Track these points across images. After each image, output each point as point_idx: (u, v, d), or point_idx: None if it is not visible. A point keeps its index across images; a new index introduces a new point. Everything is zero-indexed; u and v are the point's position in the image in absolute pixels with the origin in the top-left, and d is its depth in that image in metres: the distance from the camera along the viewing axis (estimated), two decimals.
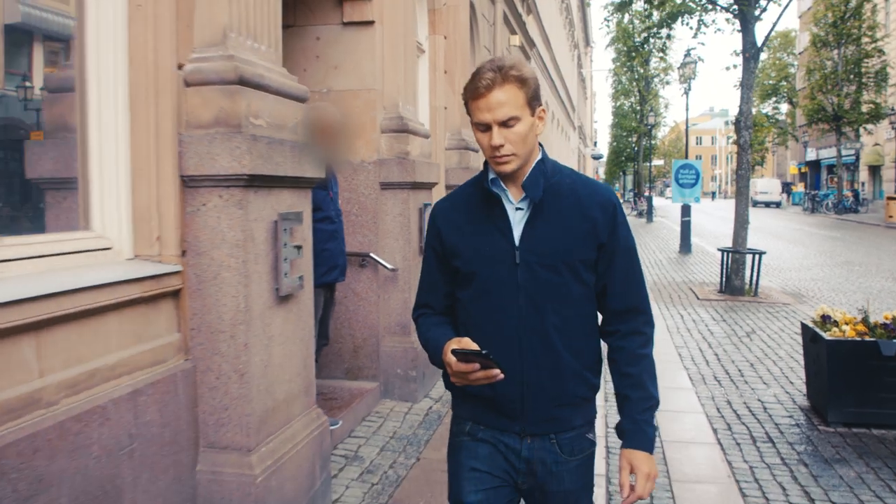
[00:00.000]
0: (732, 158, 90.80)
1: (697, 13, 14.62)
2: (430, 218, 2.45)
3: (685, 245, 21.17)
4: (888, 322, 6.15)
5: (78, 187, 3.36)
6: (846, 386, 6.11)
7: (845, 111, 40.38)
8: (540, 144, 2.34)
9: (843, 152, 49.74)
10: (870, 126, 42.29)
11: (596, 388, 2.38)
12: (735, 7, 12.99)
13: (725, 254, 13.51)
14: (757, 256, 12.96)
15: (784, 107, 57.20)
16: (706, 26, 14.86)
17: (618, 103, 56.30)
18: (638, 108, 47.31)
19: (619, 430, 2.38)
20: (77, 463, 2.80)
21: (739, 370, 8.09)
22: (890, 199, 37.66)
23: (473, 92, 2.18)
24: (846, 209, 43.87)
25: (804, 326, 6.71)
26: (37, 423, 2.66)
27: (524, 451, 2.31)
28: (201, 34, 3.60)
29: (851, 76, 40.16)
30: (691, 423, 6.25)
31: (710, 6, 14.21)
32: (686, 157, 23.49)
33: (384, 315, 6.49)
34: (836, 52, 40.65)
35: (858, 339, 6.04)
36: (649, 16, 16.45)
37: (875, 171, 48.52)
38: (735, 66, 14.60)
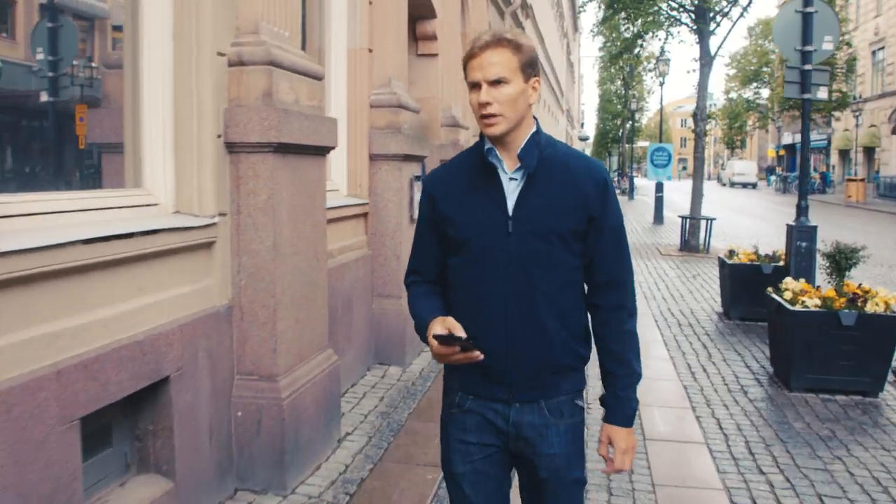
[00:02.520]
0: (717, 141, 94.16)
1: (665, 27, 18.05)
2: (423, 185, 2.48)
3: (658, 217, 23.71)
4: (854, 293, 6.53)
5: (125, 152, 3.83)
6: (807, 350, 6.39)
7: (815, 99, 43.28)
8: (535, 118, 2.34)
9: (816, 137, 52.91)
10: (837, 113, 45.69)
11: (585, 359, 2.39)
12: (693, 25, 16.41)
13: (684, 220, 17.02)
14: (709, 222, 16.49)
15: (765, 92, 60.05)
16: (672, 37, 18.29)
17: (603, 88, 59.46)
18: (622, 93, 50.58)
19: (602, 403, 2.41)
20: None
21: (681, 294, 11.52)
22: (850, 180, 39.94)
23: (470, 52, 2.22)
24: (814, 190, 46.75)
25: (769, 298, 6.98)
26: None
27: (513, 414, 2.31)
28: (242, 25, 4.19)
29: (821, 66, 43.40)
30: (645, 321, 9.64)
31: (674, 23, 17.62)
32: (660, 141, 26.85)
33: None
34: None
35: (823, 309, 6.35)
36: (626, 29, 19.78)
37: (845, 154, 50.63)
38: (694, 71, 17.96)
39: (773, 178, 59.56)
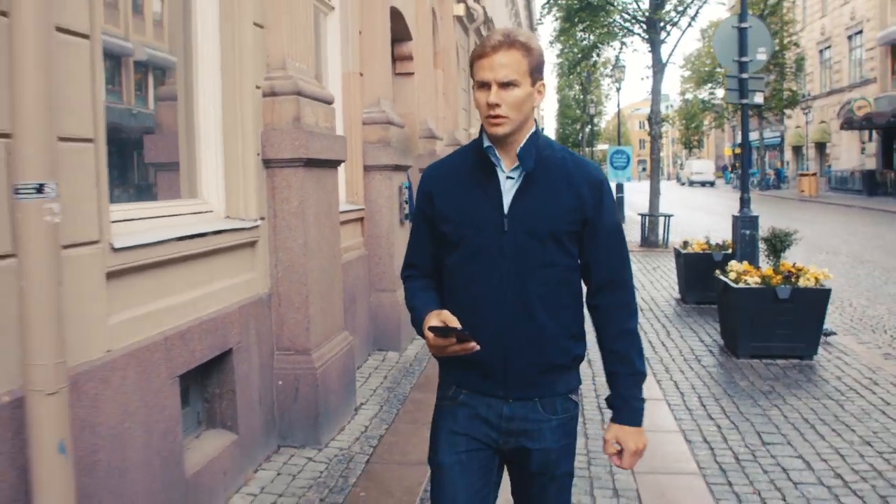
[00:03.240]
0: (675, 141, 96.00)
1: (619, 37, 19.23)
2: (420, 182, 2.49)
3: (620, 215, 25.69)
4: (788, 271, 7.50)
5: (181, 168, 4.60)
6: (750, 322, 7.39)
7: (766, 98, 45.06)
8: (535, 120, 2.35)
9: (770, 134, 54.63)
10: (788, 111, 47.33)
11: (579, 358, 2.41)
12: (645, 35, 17.57)
13: (643, 217, 18.15)
14: (667, 218, 17.62)
15: (720, 92, 61.42)
16: (626, 47, 19.51)
17: (562, 94, 60.89)
18: (581, 98, 51.96)
19: (609, 404, 2.42)
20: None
21: (643, 284, 12.62)
22: (802, 175, 41.51)
23: (480, 51, 2.22)
24: (769, 186, 47.48)
25: (717, 280, 8.03)
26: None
27: (506, 410, 2.33)
28: (272, 62, 5.10)
29: (771, 66, 45.03)
30: None
31: (628, 33, 18.80)
32: (619, 143, 28.04)
33: None
34: None
35: (762, 286, 7.32)
36: (583, 39, 20.96)
37: (798, 150, 52.10)
38: (647, 77, 19.04)
39: (730, 175, 61.23)
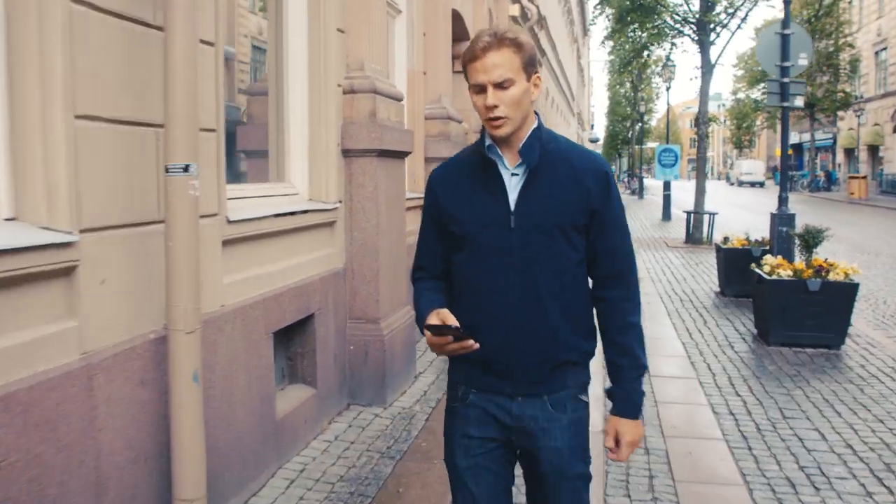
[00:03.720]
0: (725, 140, 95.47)
1: (669, 38, 19.67)
2: (427, 183, 2.50)
3: (666, 214, 25.24)
4: (819, 266, 7.99)
5: (270, 156, 5.23)
6: (781, 312, 7.94)
7: (818, 99, 43.73)
8: (536, 113, 2.36)
9: (822, 136, 54.36)
10: (841, 113, 47.10)
11: (589, 354, 2.42)
12: (695, 36, 18.01)
13: (688, 214, 18.65)
14: (711, 216, 18.07)
15: None
16: (676, 47, 19.96)
17: (613, 91, 61.08)
18: (631, 96, 52.20)
19: (610, 395, 2.44)
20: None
21: (684, 277, 13.21)
22: (852, 178, 41.22)
23: (471, 54, 2.21)
24: (818, 188, 47.26)
25: (752, 272, 8.59)
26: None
27: (515, 408, 2.33)
28: (351, 63, 5.74)
29: (825, 68, 44.70)
30: (651, 298, 11.21)
31: (678, 34, 19.25)
32: (667, 142, 28.44)
33: None
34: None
35: (794, 278, 7.87)
36: (634, 39, 21.40)
37: (850, 153, 51.65)
38: (696, 78, 19.45)
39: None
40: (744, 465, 4.94)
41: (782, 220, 9.61)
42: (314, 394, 5.19)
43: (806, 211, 29.88)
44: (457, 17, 9.69)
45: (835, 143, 54.41)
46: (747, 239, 11.07)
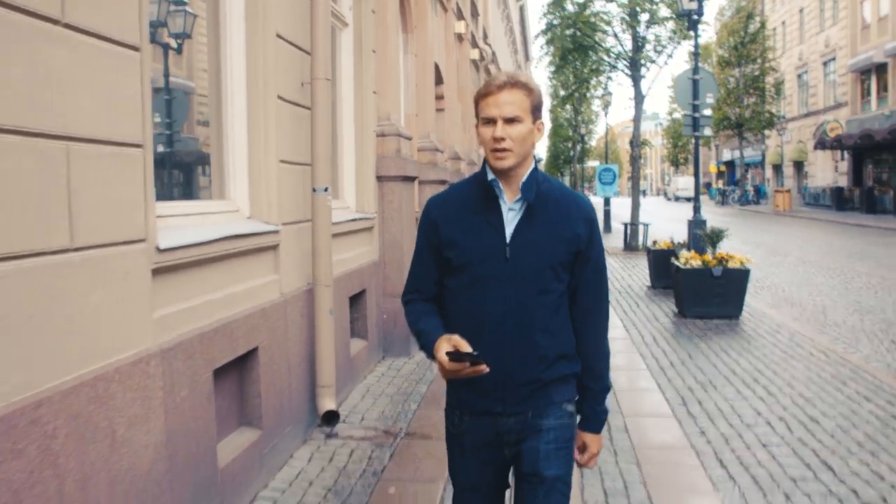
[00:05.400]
0: (663, 159, 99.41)
1: (606, 73, 22.61)
2: (424, 211, 2.65)
3: (607, 226, 27.87)
4: (721, 258, 10.57)
5: (335, 182, 8.38)
6: (693, 293, 10.59)
7: (746, 119, 46.49)
8: (534, 156, 2.53)
9: (752, 153, 57.59)
10: (767, 132, 50.31)
11: (573, 376, 2.60)
12: (628, 72, 20.89)
13: (625, 226, 21.40)
14: (645, 227, 20.85)
15: (706, 111, 63.88)
16: (612, 80, 22.96)
17: (555, 114, 63.93)
18: (573, 117, 55.06)
19: (579, 411, 2.64)
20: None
21: (622, 276, 15.86)
22: (777, 191, 44.60)
23: (486, 91, 2.42)
24: (748, 202, 50.56)
25: (672, 264, 11.03)
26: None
27: (502, 425, 2.53)
28: (381, 115, 8.13)
29: (751, 90, 46.52)
30: None
31: (613, 69, 22.15)
32: (606, 161, 31.38)
33: None
34: (737, 70, 46.81)
35: (702, 266, 10.46)
36: (577, 73, 24.28)
37: (778, 168, 54.96)
38: (629, 108, 22.06)
39: (714, 191, 64.42)
40: (660, 381, 7.46)
41: (696, 224, 12.28)
42: (366, 345, 7.57)
43: (734, 222, 33.05)
44: (435, 68, 12.19)
45: (764, 159, 58.03)
46: (671, 242, 13.71)
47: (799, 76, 50.81)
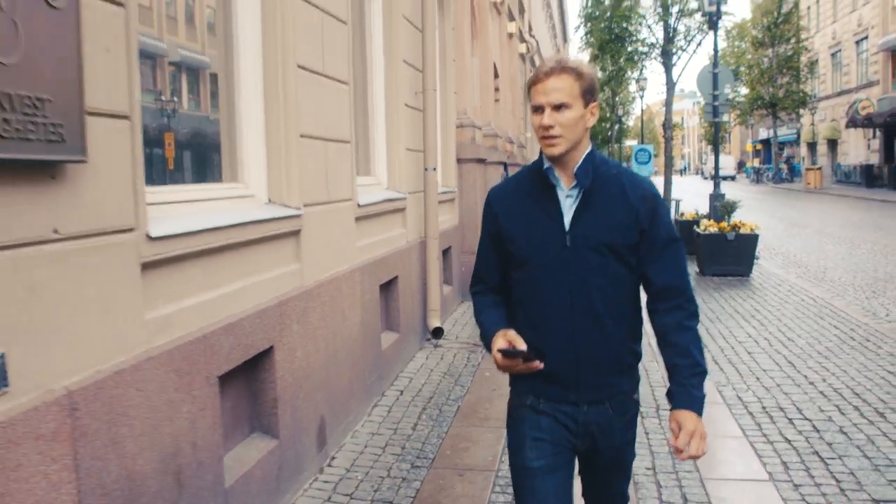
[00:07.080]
0: (700, 138, 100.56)
1: (640, 62, 24.77)
2: (486, 202, 2.67)
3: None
4: (735, 225, 12.73)
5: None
6: (710, 254, 12.90)
7: (780, 99, 47.41)
8: (591, 139, 2.51)
9: (787, 131, 58.33)
10: (801, 110, 50.23)
11: (639, 357, 2.61)
12: (660, 60, 23.02)
13: None
14: (677, 202, 22.99)
15: (743, 90, 62.85)
16: (645, 68, 25.10)
17: None
18: (610, 98, 56.58)
19: (669, 394, 2.54)
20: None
21: None
22: (808, 169, 46.12)
23: (535, 78, 2.42)
24: (782, 179, 52.14)
25: (694, 231, 13.22)
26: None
27: (581, 416, 2.51)
28: (459, 110, 10.64)
29: (784, 70, 47.24)
30: None
31: (646, 58, 24.26)
32: (642, 142, 33.47)
33: None
34: (770, 50, 47.66)
35: (718, 232, 12.68)
36: (614, 60, 26.38)
37: (812, 146, 55.89)
38: (662, 93, 24.02)
39: (750, 169, 65.58)
40: None
41: (716, 197, 14.51)
42: (452, 289, 9.93)
43: (764, 199, 35.03)
44: (493, 65, 14.53)
45: (799, 137, 59.47)
46: (696, 213, 15.95)
47: (832, 55, 51.67)
